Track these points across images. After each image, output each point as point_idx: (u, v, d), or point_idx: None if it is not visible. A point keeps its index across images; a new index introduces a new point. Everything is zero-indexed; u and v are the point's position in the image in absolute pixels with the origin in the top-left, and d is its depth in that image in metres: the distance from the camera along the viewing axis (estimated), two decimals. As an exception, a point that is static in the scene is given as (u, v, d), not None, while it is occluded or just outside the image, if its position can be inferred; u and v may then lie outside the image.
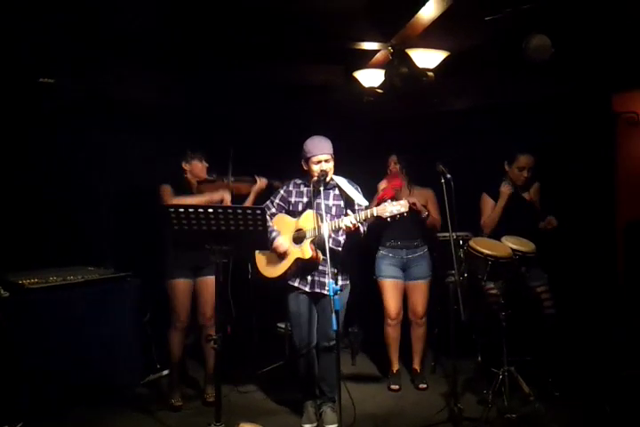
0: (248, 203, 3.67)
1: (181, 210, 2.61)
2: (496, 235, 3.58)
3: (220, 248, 2.71)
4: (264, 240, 2.86)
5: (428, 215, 3.81)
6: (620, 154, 4.64)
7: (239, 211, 2.62)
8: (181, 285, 3.57)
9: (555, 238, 3.81)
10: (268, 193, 3.66)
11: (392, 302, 3.86)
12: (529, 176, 3.78)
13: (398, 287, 3.89)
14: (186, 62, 4.24)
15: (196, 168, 3.60)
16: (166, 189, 3.50)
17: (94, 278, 3.61)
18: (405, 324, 3.99)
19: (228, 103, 4.78)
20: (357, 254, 3.58)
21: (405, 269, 3.91)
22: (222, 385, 2.92)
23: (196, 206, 2.65)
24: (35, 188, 3.95)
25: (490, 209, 3.81)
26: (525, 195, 3.84)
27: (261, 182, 3.71)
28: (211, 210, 2.61)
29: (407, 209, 2.83)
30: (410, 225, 3.80)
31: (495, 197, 3.78)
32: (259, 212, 2.64)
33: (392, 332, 3.91)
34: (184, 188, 3.59)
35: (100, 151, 4.27)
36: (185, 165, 3.60)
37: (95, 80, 3.99)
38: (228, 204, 3.53)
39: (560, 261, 4.15)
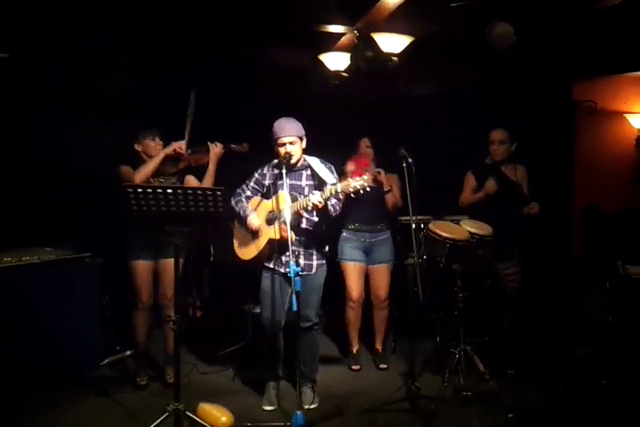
0: (208, 173, 3.55)
1: (140, 190, 2.58)
2: (480, 213, 3.67)
3: (179, 229, 2.69)
4: (222, 222, 2.84)
5: (389, 190, 3.85)
6: (578, 141, 4.77)
7: (199, 192, 2.61)
8: (142, 266, 3.54)
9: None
10: (230, 158, 3.63)
11: (354, 285, 3.91)
12: (504, 149, 3.81)
13: (360, 270, 3.94)
14: (151, 46, 4.14)
15: (149, 147, 3.53)
16: (126, 170, 3.45)
17: (51, 259, 3.55)
18: (367, 306, 4.05)
19: (195, 87, 4.71)
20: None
21: (368, 253, 3.95)
22: (183, 366, 2.92)
23: (154, 187, 2.63)
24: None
25: (470, 188, 3.88)
26: (510, 174, 3.83)
27: (215, 149, 3.54)
28: (170, 191, 2.59)
29: (370, 183, 2.83)
30: (373, 208, 3.86)
31: (478, 177, 3.85)
32: (218, 193, 2.63)
33: (353, 314, 3.96)
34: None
35: (60, 134, 4.18)
36: (137, 147, 3.55)
37: (59, 63, 3.87)
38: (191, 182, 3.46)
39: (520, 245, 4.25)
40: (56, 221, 4.10)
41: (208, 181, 3.51)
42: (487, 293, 3.81)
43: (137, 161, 3.54)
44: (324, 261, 3.33)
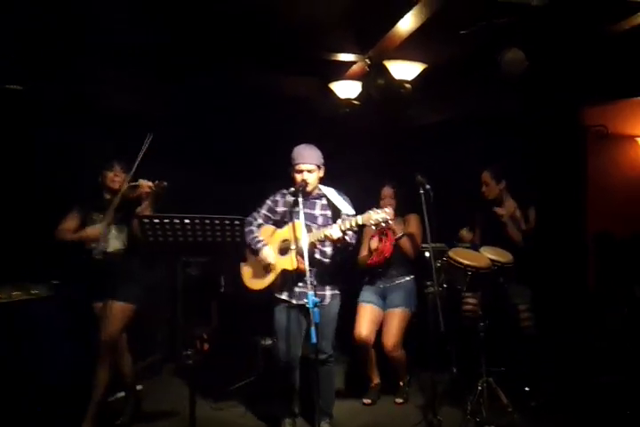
0: (144, 208, 3.19)
1: (156, 221, 2.53)
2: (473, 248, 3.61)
3: (195, 260, 2.63)
4: (241, 252, 2.78)
5: (402, 236, 3.76)
6: (590, 166, 4.74)
7: (217, 222, 2.55)
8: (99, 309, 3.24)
9: (528, 250, 3.84)
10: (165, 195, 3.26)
11: (361, 325, 3.74)
12: (487, 189, 3.77)
13: (372, 312, 3.80)
14: (161, 70, 4.15)
15: (106, 178, 3.28)
16: (66, 221, 3.25)
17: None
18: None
19: (202, 112, 4.72)
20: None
21: (384, 298, 3.85)
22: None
23: (171, 217, 2.57)
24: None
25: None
26: (499, 210, 3.76)
27: (143, 186, 3.14)
28: (187, 221, 2.54)
29: (391, 217, 2.80)
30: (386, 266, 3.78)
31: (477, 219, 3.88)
32: (237, 222, 2.58)
33: (363, 354, 3.82)
34: (97, 204, 3.30)
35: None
36: (99, 178, 3.31)
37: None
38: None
39: (533, 273, 4.18)
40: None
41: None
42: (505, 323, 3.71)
43: (95, 193, 3.32)
44: (337, 292, 3.26)
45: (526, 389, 3.53)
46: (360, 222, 2.84)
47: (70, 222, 3.27)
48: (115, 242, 3.24)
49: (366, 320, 3.76)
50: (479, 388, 3.19)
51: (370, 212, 2.81)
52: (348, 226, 2.90)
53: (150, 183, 3.14)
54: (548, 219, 4.44)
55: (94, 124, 4.01)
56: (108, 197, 3.30)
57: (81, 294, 3.29)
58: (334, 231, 2.89)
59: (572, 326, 4.26)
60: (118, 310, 3.18)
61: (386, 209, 2.78)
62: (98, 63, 3.77)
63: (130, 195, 3.20)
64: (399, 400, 3.82)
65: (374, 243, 3.74)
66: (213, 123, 4.80)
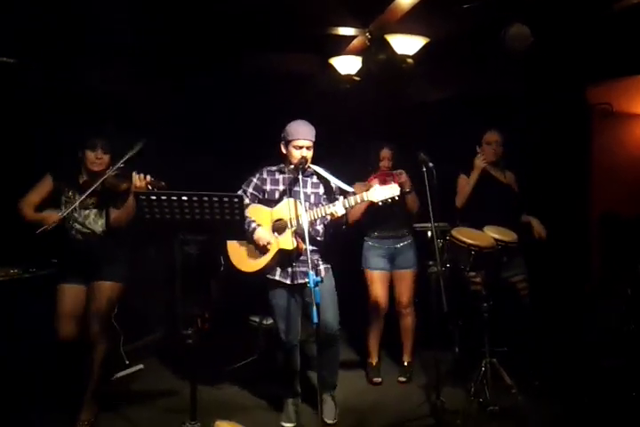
0: (127, 205, 3.10)
1: (153, 197, 2.46)
2: (473, 219, 3.53)
3: (194, 238, 2.57)
4: (240, 230, 2.71)
5: (410, 191, 3.67)
6: (594, 145, 4.66)
7: (215, 198, 2.48)
8: (72, 291, 3.10)
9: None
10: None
11: (380, 294, 3.76)
12: (499, 151, 3.72)
13: (385, 279, 3.81)
14: (159, 52, 4.05)
15: (87, 158, 3.11)
16: (33, 193, 3.09)
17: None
18: (391, 316, 3.90)
19: (202, 93, 4.63)
20: (340, 243, 3.45)
21: (393, 260, 3.82)
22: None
23: (169, 194, 2.50)
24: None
25: (464, 186, 3.75)
26: (500, 176, 3.76)
27: (139, 182, 2.94)
28: (185, 197, 2.47)
29: (398, 193, 2.75)
30: (396, 213, 3.71)
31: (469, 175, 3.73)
32: (236, 200, 2.51)
33: (377, 324, 3.83)
34: (71, 180, 3.15)
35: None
36: (79, 153, 3.14)
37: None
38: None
39: (535, 253, 4.14)
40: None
41: (123, 214, 3.11)
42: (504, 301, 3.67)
43: (72, 167, 3.15)
44: (328, 265, 3.19)
45: (530, 371, 3.49)
46: (367, 199, 2.77)
47: (37, 194, 3.10)
48: (94, 226, 3.14)
49: (381, 287, 3.76)
50: (482, 369, 3.14)
51: (376, 187, 2.75)
52: (353, 203, 2.83)
53: (146, 180, 2.93)
54: (552, 198, 4.43)
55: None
56: (84, 177, 3.15)
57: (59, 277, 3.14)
58: (338, 209, 2.83)
59: (576, 307, 4.23)
60: (107, 289, 3.10)
61: (393, 184, 2.71)
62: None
63: (113, 184, 3.06)
64: (402, 379, 3.80)
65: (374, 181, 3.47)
66: (211, 103, 4.71)
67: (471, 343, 3.67)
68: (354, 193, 2.94)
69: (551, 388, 3.47)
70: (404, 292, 3.82)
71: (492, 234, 3.16)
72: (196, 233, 2.60)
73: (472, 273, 3.27)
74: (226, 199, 2.49)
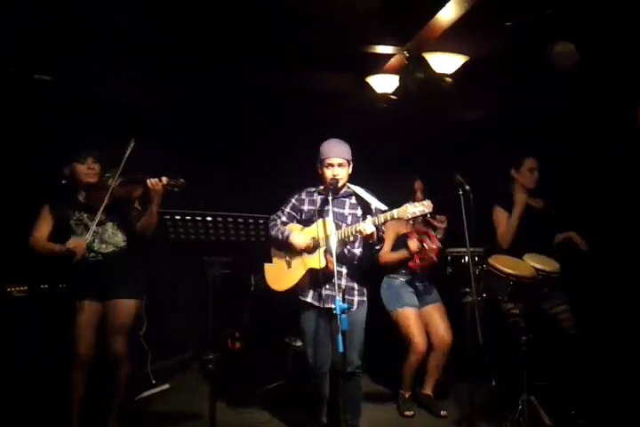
0: (150, 213, 3.00)
1: (177, 217, 2.40)
2: (511, 246, 3.38)
3: (219, 260, 2.50)
4: (266, 252, 2.64)
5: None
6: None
7: (240, 220, 2.41)
8: (85, 308, 3.00)
9: (574, 253, 3.59)
10: (178, 193, 3.02)
11: (418, 335, 3.54)
12: (534, 178, 3.58)
13: (420, 318, 3.63)
14: (189, 66, 4.06)
15: (78, 171, 2.98)
16: (39, 228, 2.98)
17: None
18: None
19: (234, 110, 4.62)
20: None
21: (419, 296, 3.67)
22: (218, 403, 2.65)
23: (193, 214, 2.44)
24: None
25: (505, 221, 3.55)
26: (533, 203, 3.61)
27: (157, 186, 2.90)
28: (209, 218, 2.40)
29: (431, 210, 2.64)
30: None
31: (508, 208, 3.56)
32: (261, 221, 2.43)
33: (416, 364, 3.59)
34: (72, 203, 3.03)
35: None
36: (66, 171, 3.01)
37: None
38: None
39: (581, 279, 3.90)
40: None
41: (148, 220, 3.00)
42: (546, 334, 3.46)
43: (65, 190, 3.03)
44: (364, 298, 3.08)
45: (572, 412, 3.25)
46: (396, 216, 2.67)
47: (44, 228, 3.00)
48: (113, 239, 3.08)
49: (419, 328, 3.58)
50: (520, 406, 2.94)
51: (407, 205, 2.65)
52: (383, 220, 2.73)
53: (162, 183, 2.89)
54: (600, 228, 4.19)
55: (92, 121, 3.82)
56: (83, 193, 3.03)
57: (68, 295, 3.08)
58: (367, 226, 2.73)
59: (622, 337, 3.95)
60: (125, 307, 3.04)
61: (424, 202, 2.59)
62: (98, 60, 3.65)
63: (122, 195, 2.97)
64: (444, 413, 3.60)
65: (414, 244, 3.47)
66: (242, 120, 4.70)
67: (509, 376, 3.46)
68: (388, 210, 2.82)
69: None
70: (446, 329, 3.61)
71: (533, 263, 2.98)
72: (220, 255, 2.50)
73: (510, 305, 3.08)
74: (251, 220, 2.42)
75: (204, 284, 2.80)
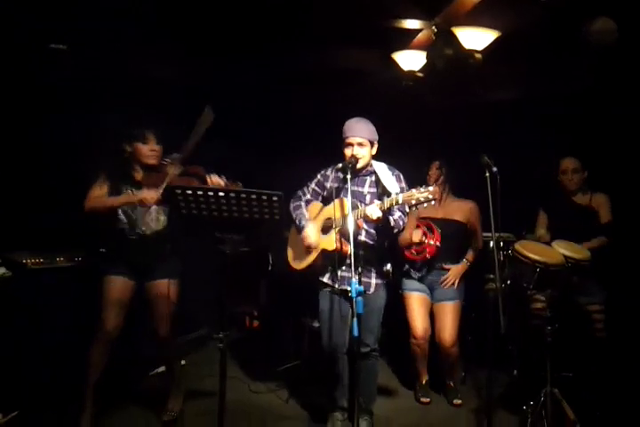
0: None
1: (189, 192, 2.32)
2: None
3: (230, 237, 2.41)
4: (279, 230, 2.55)
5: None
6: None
7: (253, 196, 2.32)
8: (119, 283, 2.97)
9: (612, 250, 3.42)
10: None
11: (417, 321, 3.44)
12: (577, 178, 3.47)
13: (424, 303, 3.48)
14: (213, 45, 3.95)
15: (140, 152, 2.93)
16: (95, 190, 2.93)
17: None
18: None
19: (258, 88, 4.50)
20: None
21: (433, 289, 3.51)
22: (233, 382, 2.59)
23: (205, 189, 2.35)
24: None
25: (542, 225, 3.54)
26: (580, 199, 3.47)
27: (214, 184, 2.83)
28: (221, 193, 2.32)
29: (436, 196, 2.51)
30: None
31: (549, 211, 3.52)
32: (275, 198, 2.33)
33: (419, 351, 3.50)
34: (126, 178, 2.98)
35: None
36: (127, 147, 2.95)
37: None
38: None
39: (617, 276, 3.72)
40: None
41: None
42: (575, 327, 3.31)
43: (121, 165, 2.99)
44: (384, 281, 2.98)
45: (597, 413, 3.09)
46: (400, 201, 2.54)
47: (98, 191, 2.94)
48: (155, 223, 3.04)
49: (420, 313, 3.45)
50: (542, 398, 2.81)
51: (413, 190, 2.51)
52: (388, 205, 2.61)
53: (222, 182, 2.83)
54: (629, 212, 4.00)
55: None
56: (139, 172, 2.99)
57: (101, 270, 3.04)
58: (373, 211, 2.62)
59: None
60: (165, 287, 2.99)
61: (430, 187, 2.46)
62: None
63: (177, 183, 2.75)
64: (457, 402, 3.50)
65: (417, 235, 3.36)
66: (267, 99, 4.59)
67: (532, 366, 3.34)
68: (396, 194, 2.68)
69: (618, 419, 3.08)
70: (448, 330, 3.43)
71: (562, 250, 2.81)
72: (232, 232, 2.42)
73: (535, 292, 2.94)
74: (264, 197, 2.32)
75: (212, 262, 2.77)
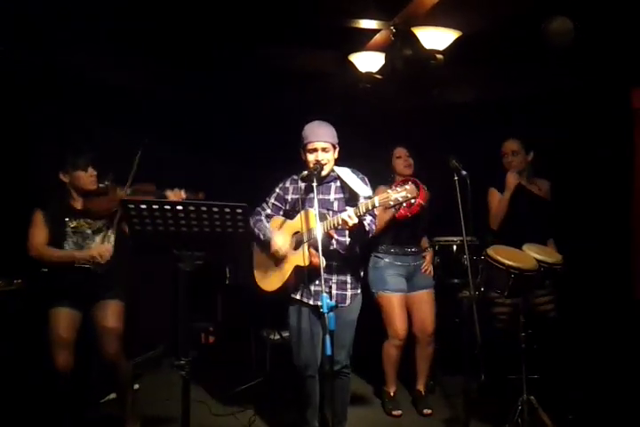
0: None
1: (143, 206, 2.11)
2: (507, 235, 3.18)
3: (190, 254, 2.22)
4: (244, 245, 2.37)
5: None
6: (637, 152, 4.27)
7: (215, 209, 2.13)
8: (65, 318, 2.86)
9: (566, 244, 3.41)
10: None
11: (399, 321, 3.35)
12: (518, 161, 3.38)
13: (404, 302, 3.41)
14: (165, 46, 3.76)
15: (79, 180, 2.87)
16: (37, 234, 2.84)
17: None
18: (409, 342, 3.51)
19: (209, 91, 4.32)
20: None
21: (409, 279, 3.43)
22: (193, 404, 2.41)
23: (162, 202, 2.16)
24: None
25: (497, 202, 3.39)
26: (533, 188, 3.43)
27: (175, 196, 2.86)
28: (179, 207, 2.12)
29: (415, 195, 2.38)
30: (415, 225, 3.37)
31: (501, 190, 3.38)
32: (239, 211, 2.15)
33: (395, 353, 3.40)
34: (65, 208, 2.91)
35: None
36: (63, 177, 2.89)
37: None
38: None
39: (570, 270, 3.75)
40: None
41: None
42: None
43: (60, 194, 2.92)
44: (358, 291, 2.83)
45: (570, 417, 3.06)
46: (377, 204, 2.41)
47: (41, 235, 2.85)
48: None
49: (401, 314, 3.37)
50: (519, 406, 2.75)
51: (389, 191, 2.39)
52: (364, 209, 2.47)
53: (182, 195, 2.83)
54: (590, 207, 4.04)
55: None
56: (78, 199, 2.91)
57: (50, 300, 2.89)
58: (349, 216, 2.46)
59: (615, 332, 3.82)
60: (115, 306, 2.96)
61: (406, 186, 2.35)
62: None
63: None
64: (427, 411, 3.40)
65: (388, 214, 3.21)
66: (217, 103, 4.41)
67: (499, 370, 3.29)
68: (369, 197, 2.56)
69: (589, 422, 3.05)
70: (427, 317, 3.42)
71: (534, 254, 2.75)
72: (193, 248, 2.23)
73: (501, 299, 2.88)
74: (227, 209, 2.14)
75: (175, 278, 2.59)
